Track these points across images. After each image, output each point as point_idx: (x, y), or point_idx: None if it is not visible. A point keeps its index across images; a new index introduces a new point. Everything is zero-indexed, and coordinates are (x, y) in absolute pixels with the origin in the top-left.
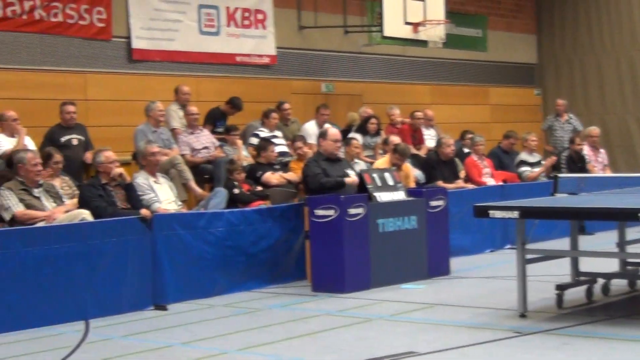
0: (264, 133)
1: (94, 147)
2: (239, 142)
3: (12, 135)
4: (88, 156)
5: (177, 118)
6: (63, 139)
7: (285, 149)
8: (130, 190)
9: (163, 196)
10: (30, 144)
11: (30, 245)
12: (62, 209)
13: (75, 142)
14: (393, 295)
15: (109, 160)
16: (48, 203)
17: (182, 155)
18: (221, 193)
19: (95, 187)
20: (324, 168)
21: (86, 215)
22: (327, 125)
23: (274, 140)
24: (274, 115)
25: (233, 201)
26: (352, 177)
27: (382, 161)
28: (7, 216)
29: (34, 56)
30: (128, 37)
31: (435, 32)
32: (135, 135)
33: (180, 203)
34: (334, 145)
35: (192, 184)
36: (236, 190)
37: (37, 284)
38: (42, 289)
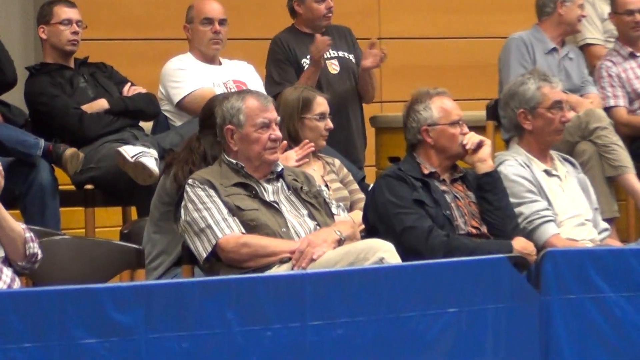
0: None
1: None
2: None
3: None
4: None
5: None
6: None
7: None
8: None
9: None
10: None
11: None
12: (331, 232)
13: None
14: None
15: None
16: (293, 216)
17: None
18: None
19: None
20: None
21: (387, 252)
22: None
23: None
24: None
25: None
26: None
27: None
28: (206, 245)
29: None
30: None
31: None
32: None
33: None
34: None
35: None
36: None
37: None
38: None
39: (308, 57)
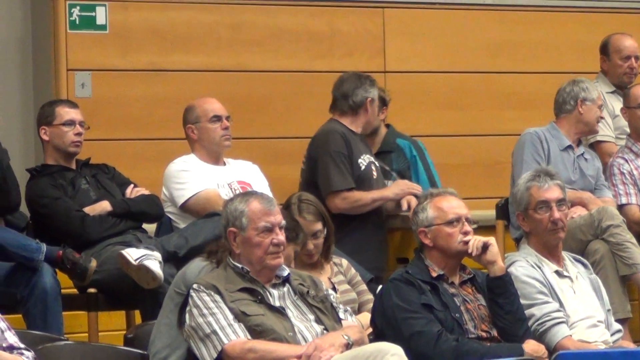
0: None
1: None
2: None
3: None
4: None
5: None
6: None
7: None
8: None
9: None
10: None
11: None
12: (338, 336)
13: None
14: None
15: None
16: (300, 321)
17: None
18: None
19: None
20: None
21: (395, 355)
22: None
23: None
24: None
25: None
26: None
27: None
28: (211, 351)
29: None
30: None
31: None
32: None
33: None
34: None
35: None
36: None
37: None
38: None
39: (362, 156)
